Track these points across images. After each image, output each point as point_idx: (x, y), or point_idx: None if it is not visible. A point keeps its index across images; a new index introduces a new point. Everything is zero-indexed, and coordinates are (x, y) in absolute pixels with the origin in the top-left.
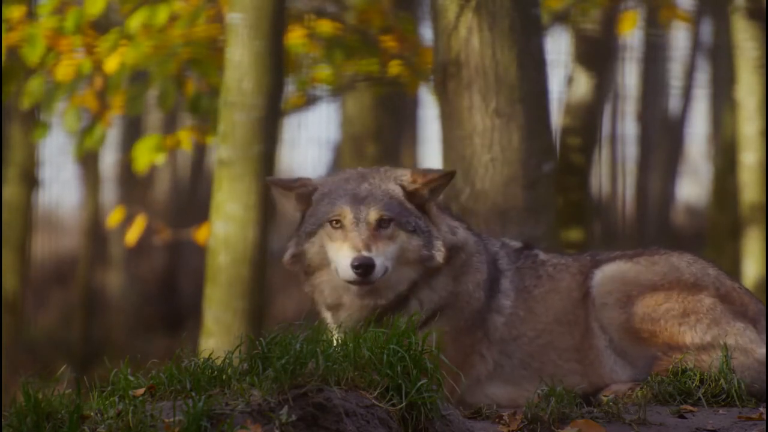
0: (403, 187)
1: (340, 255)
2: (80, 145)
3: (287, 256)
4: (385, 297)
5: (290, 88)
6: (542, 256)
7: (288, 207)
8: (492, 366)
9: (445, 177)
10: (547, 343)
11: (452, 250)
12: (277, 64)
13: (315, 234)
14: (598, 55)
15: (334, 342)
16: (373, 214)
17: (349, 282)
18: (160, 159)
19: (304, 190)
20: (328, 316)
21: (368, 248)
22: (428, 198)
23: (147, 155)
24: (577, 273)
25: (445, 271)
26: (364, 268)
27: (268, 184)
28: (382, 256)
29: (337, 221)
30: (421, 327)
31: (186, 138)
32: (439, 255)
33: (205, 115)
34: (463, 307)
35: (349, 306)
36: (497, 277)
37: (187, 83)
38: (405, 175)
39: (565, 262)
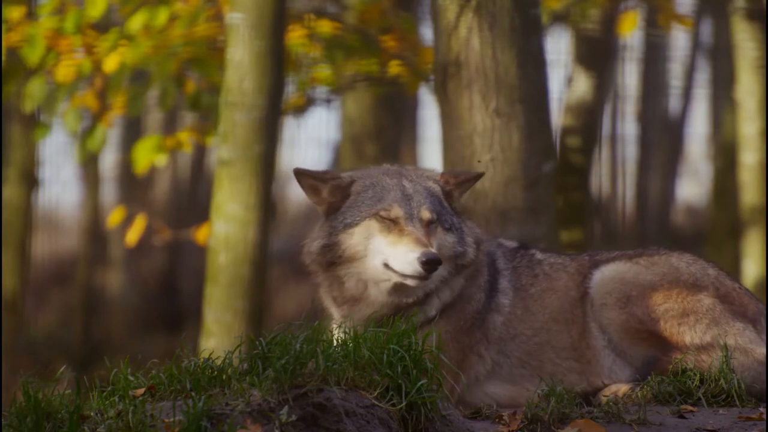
0: (441, 187)
1: (400, 250)
2: (82, 147)
3: (316, 246)
4: (414, 294)
5: (290, 89)
6: (538, 255)
7: (315, 199)
8: (490, 365)
9: (475, 178)
10: (545, 341)
11: (478, 246)
12: (277, 64)
13: (357, 225)
14: (598, 55)
15: (335, 339)
16: (424, 213)
17: (410, 276)
18: (161, 160)
19: (339, 182)
20: (336, 311)
21: (431, 245)
22: (457, 198)
23: (147, 156)
24: (575, 273)
25: (464, 272)
26: (432, 264)
27: (297, 174)
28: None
29: (388, 216)
30: (422, 327)
31: (186, 139)
32: (471, 251)
33: (206, 112)
34: (465, 307)
35: (372, 301)
36: (495, 277)
37: (187, 82)
38: (436, 176)
39: (562, 262)
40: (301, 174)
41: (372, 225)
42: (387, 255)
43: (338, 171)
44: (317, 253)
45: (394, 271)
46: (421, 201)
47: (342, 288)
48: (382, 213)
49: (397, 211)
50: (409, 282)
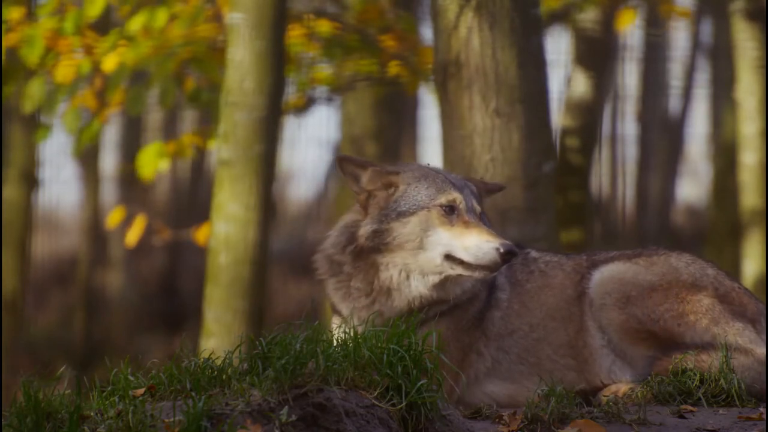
0: (478, 189)
1: (472, 240)
2: (78, 141)
3: (367, 230)
4: (451, 291)
5: (290, 89)
6: (533, 253)
7: (355, 187)
8: (490, 362)
9: (498, 189)
10: (542, 337)
11: None
12: (278, 64)
13: (413, 215)
14: (597, 55)
15: (335, 338)
16: (478, 207)
17: (483, 267)
18: (164, 165)
19: (381, 170)
20: (347, 305)
21: (500, 237)
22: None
23: (152, 163)
24: (572, 271)
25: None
26: (511, 254)
27: (340, 161)
28: None
29: (451, 207)
30: (421, 326)
31: (188, 143)
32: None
33: (205, 108)
34: (469, 307)
35: (408, 293)
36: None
37: (186, 80)
38: (484, 185)
39: (558, 260)
40: (343, 160)
41: (432, 216)
42: (452, 246)
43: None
44: (366, 237)
45: (463, 263)
46: (471, 196)
47: (377, 277)
48: (445, 204)
49: (460, 204)
50: (478, 274)
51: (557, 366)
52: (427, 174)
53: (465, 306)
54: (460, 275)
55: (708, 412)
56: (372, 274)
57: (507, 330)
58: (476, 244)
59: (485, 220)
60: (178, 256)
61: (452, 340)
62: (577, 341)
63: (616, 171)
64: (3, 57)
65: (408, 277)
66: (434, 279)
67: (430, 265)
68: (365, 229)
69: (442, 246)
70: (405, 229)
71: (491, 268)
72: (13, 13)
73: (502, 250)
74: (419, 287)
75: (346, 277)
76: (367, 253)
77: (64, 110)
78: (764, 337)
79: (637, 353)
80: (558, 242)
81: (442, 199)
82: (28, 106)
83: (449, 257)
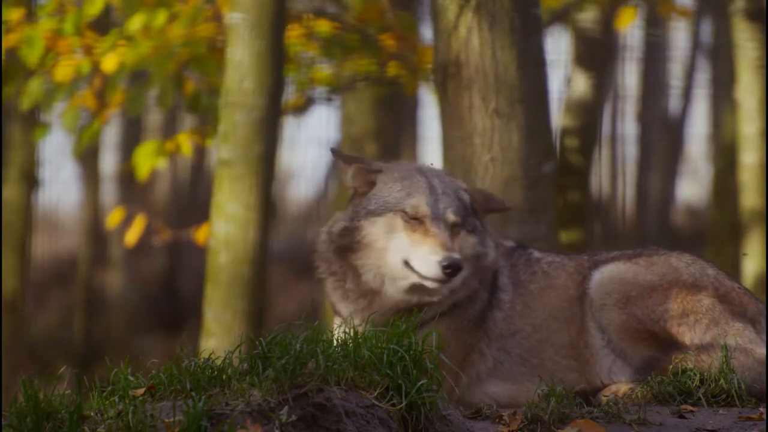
0: (470, 196)
1: (422, 251)
2: (78, 141)
3: (338, 227)
4: (436, 294)
5: (290, 89)
6: (536, 254)
7: (345, 179)
8: (491, 363)
9: (502, 210)
10: (544, 338)
11: (497, 249)
12: (277, 63)
13: (381, 216)
14: (597, 55)
15: (335, 338)
16: (450, 215)
17: (430, 279)
18: (161, 163)
19: (365, 167)
20: (345, 306)
21: (454, 249)
22: (481, 216)
23: (148, 161)
24: (574, 272)
25: (477, 274)
26: (454, 269)
27: (332, 153)
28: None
29: (415, 214)
30: (422, 327)
31: (186, 142)
32: (492, 254)
33: (204, 113)
34: (469, 307)
35: (389, 297)
36: (495, 274)
37: (186, 82)
38: (464, 185)
39: (561, 261)
40: (333, 154)
41: (397, 220)
42: (409, 254)
43: (371, 159)
44: (337, 234)
45: (415, 271)
46: (449, 203)
47: (359, 280)
48: (409, 210)
49: (424, 210)
50: (429, 284)
51: (559, 367)
52: (407, 176)
53: (465, 306)
54: (421, 283)
55: (708, 412)
56: (355, 276)
57: (509, 331)
58: (424, 255)
59: (463, 231)
60: (178, 256)
61: (453, 340)
62: (578, 342)
63: (616, 171)
64: (3, 57)
65: (383, 281)
66: (404, 284)
67: (396, 270)
68: (337, 226)
69: (402, 252)
70: (373, 228)
71: (437, 280)
72: (13, 14)
73: (444, 264)
74: (394, 293)
75: (341, 276)
76: (343, 251)
77: (63, 109)
78: (764, 337)
79: (637, 353)
80: (558, 242)
81: (408, 205)
82: (26, 104)
83: (407, 264)
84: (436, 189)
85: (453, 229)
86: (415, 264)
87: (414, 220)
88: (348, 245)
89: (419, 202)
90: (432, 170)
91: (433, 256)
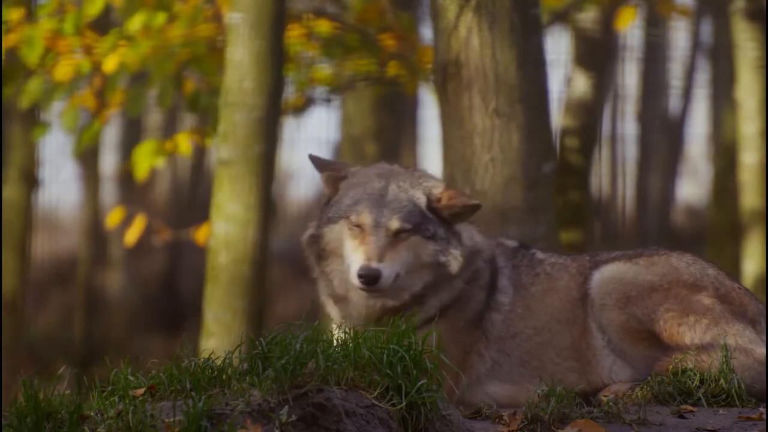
0: (429, 199)
1: (353, 258)
2: (78, 142)
3: (306, 235)
4: (395, 298)
5: (290, 89)
6: (539, 255)
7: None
8: (490, 364)
9: (470, 209)
10: (546, 341)
11: (471, 257)
12: (277, 63)
13: (336, 223)
14: (597, 55)
15: (335, 339)
16: (394, 223)
17: (355, 287)
18: (160, 163)
19: (333, 175)
20: (333, 309)
21: (380, 258)
22: (448, 219)
23: (147, 161)
24: (576, 273)
25: (463, 274)
26: (367, 278)
27: (309, 158)
28: (393, 266)
29: (357, 222)
30: (421, 327)
31: (185, 142)
32: (455, 264)
33: (204, 113)
34: (464, 307)
35: (356, 303)
36: (495, 275)
37: (185, 82)
38: (436, 187)
39: (563, 262)
40: (311, 159)
41: (344, 228)
42: (347, 258)
43: (347, 164)
44: (306, 242)
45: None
46: (397, 209)
47: (331, 284)
48: (353, 218)
49: (364, 218)
50: (358, 291)
51: (560, 369)
52: (364, 182)
53: (459, 306)
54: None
55: (708, 412)
56: (328, 282)
57: (509, 333)
58: (353, 263)
59: (417, 237)
60: (178, 256)
61: (450, 341)
62: (580, 343)
63: (616, 171)
64: (3, 57)
65: (347, 287)
66: (360, 291)
67: (351, 276)
68: (307, 233)
69: (346, 257)
70: (332, 236)
71: (359, 288)
72: (13, 14)
73: (359, 273)
74: (357, 298)
75: (324, 280)
76: (317, 257)
77: (62, 109)
78: (764, 337)
79: (638, 353)
80: (558, 242)
81: (353, 212)
82: (25, 102)
83: (348, 267)
84: (386, 196)
85: (396, 235)
86: (350, 271)
87: (356, 228)
88: (318, 252)
89: (361, 210)
90: (398, 174)
91: (354, 265)
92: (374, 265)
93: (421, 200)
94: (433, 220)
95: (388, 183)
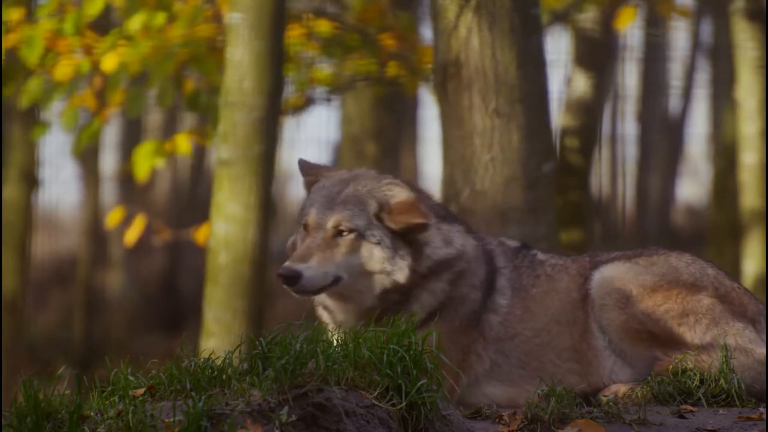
0: (380, 207)
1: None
2: (78, 141)
3: (289, 242)
4: (361, 302)
5: (290, 89)
6: (540, 256)
7: None
8: (489, 365)
9: (414, 227)
10: (546, 342)
11: (439, 266)
12: (277, 63)
13: (299, 225)
14: (597, 55)
15: (334, 341)
16: (332, 222)
17: None
18: (160, 163)
19: (309, 179)
20: (323, 313)
21: (304, 259)
22: (397, 227)
23: (147, 161)
24: (576, 274)
25: (446, 276)
26: (285, 278)
27: (298, 163)
28: (324, 266)
29: (305, 223)
30: (419, 328)
31: (185, 142)
32: (401, 275)
33: (204, 112)
34: (457, 308)
35: (334, 308)
36: (493, 276)
37: (185, 82)
38: (394, 197)
39: (564, 263)
40: (298, 164)
41: (301, 230)
42: None
43: (330, 169)
44: (288, 250)
45: None
46: (340, 210)
47: None
48: (303, 220)
49: (309, 219)
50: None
51: (560, 370)
52: (326, 186)
53: (452, 307)
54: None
55: (708, 412)
56: None
57: (507, 334)
58: None
59: (363, 242)
60: (178, 256)
61: (448, 341)
62: (581, 344)
63: (616, 171)
64: (3, 57)
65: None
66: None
67: None
68: (289, 241)
69: None
70: (296, 239)
71: (284, 286)
72: (13, 14)
73: (278, 272)
74: (333, 303)
75: None
76: None
77: (62, 108)
78: (764, 336)
79: (638, 353)
80: (558, 242)
81: (304, 215)
82: (24, 102)
83: None
84: (339, 196)
85: (337, 237)
86: None
87: (305, 230)
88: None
89: (309, 213)
90: (364, 178)
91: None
92: (296, 265)
93: (372, 206)
94: (381, 227)
95: (347, 186)
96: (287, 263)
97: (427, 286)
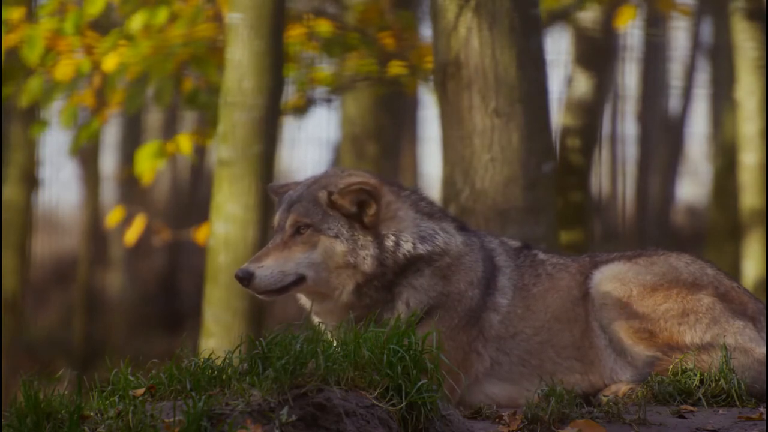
0: (328, 195)
1: None
2: (76, 140)
3: None
4: (338, 299)
5: (290, 89)
6: (541, 255)
7: None
8: (489, 363)
9: (364, 192)
10: (546, 340)
11: (416, 260)
12: (277, 63)
13: None
14: (597, 54)
15: (334, 342)
16: (290, 221)
17: None
18: (161, 164)
19: (282, 193)
20: (315, 316)
21: (260, 260)
22: (357, 211)
23: (149, 163)
24: (577, 273)
25: (428, 272)
26: (240, 280)
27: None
28: (282, 265)
29: (273, 226)
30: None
31: (186, 142)
32: (365, 265)
33: (203, 110)
34: (455, 306)
35: (316, 308)
36: (494, 275)
37: (184, 81)
38: (344, 181)
39: (565, 262)
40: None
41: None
42: None
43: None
44: None
45: None
46: (295, 209)
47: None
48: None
49: (274, 223)
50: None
51: (560, 368)
52: (288, 193)
53: (449, 305)
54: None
55: (708, 412)
56: None
57: (508, 333)
58: None
59: (321, 236)
60: (178, 256)
61: (447, 339)
62: (582, 342)
63: (616, 171)
64: (3, 57)
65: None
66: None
67: None
68: None
69: None
70: None
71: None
72: (13, 14)
73: (236, 273)
74: (306, 303)
75: None
76: None
77: (61, 107)
78: (764, 335)
79: (638, 353)
80: (558, 242)
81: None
82: (24, 101)
83: None
84: (294, 199)
85: (295, 235)
86: None
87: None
88: None
89: (274, 217)
90: (325, 176)
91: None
92: (249, 266)
93: (323, 198)
94: (337, 218)
95: (307, 187)
96: (244, 264)
97: (407, 282)
